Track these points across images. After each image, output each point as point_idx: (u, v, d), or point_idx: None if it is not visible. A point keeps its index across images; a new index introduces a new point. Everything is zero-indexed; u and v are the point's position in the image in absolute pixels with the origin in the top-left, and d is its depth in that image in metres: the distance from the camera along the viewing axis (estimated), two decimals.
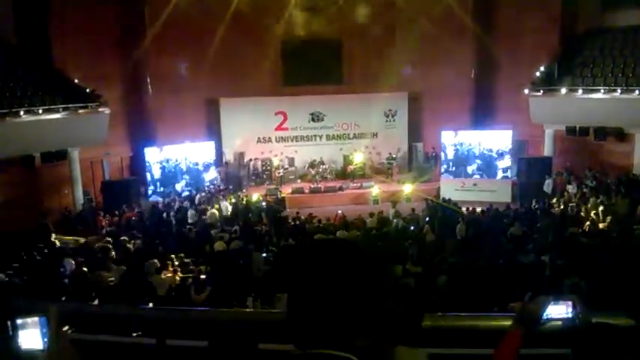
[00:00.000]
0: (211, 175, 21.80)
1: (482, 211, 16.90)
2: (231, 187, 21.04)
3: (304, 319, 1.53)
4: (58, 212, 18.30)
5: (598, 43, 21.65)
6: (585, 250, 10.97)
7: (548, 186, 19.10)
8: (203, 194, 19.45)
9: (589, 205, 16.13)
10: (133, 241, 13.04)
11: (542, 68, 20.85)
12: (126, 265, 10.49)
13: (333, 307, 1.51)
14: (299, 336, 1.54)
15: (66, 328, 2.05)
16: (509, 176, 20.93)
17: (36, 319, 2.40)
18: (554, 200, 17.82)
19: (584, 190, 18.01)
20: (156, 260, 10.30)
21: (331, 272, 1.54)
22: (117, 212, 17.20)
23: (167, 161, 20.81)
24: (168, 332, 3.37)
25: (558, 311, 2.18)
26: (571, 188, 18.40)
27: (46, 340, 2.29)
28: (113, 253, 11.18)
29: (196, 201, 18.70)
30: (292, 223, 16.56)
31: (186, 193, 20.38)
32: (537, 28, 21.64)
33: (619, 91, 18.85)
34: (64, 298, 8.23)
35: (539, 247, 11.30)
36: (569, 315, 2.20)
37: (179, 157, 21.15)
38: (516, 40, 22.04)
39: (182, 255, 11.41)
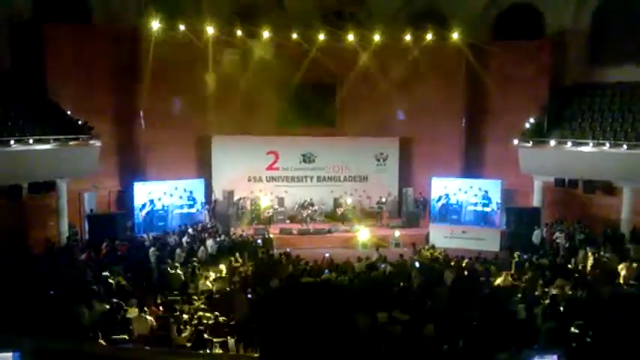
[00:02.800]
0: (198, 214, 21.59)
1: (471, 258, 16.81)
2: (218, 225, 20.84)
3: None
4: (42, 244, 17.97)
5: (587, 97, 22.13)
6: (573, 303, 10.89)
7: (537, 237, 19.11)
8: (190, 231, 19.23)
9: (578, 258, 16.12)
10: (115, 278, 12.81)
11: (531, 120, 21.19)
12: (107, 301, 10.27)
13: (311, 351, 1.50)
14: None
15: None
16: (497, 224, 20.94)
17: (9, 354, 2.29)
18: (543, 252, 17.80)
19: (574, 242, 18.02)
20: (135, 300, 10.10)
21: (312, 317, 1.53)
22: (101, 247, 16.89)
23: (152, 202, 20.51)
24: None
25: None
26: (560, 240, 18.41)
27: None
28: (95, 287, 10.98)
29: (183, 240, 18.46)
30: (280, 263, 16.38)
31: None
32: (527, 80, 22.13)
33: (607, 145, 19.14)
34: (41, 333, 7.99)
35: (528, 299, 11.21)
36: None
37: (167, 194, 20.90)
38: (506, 91, 22.48)
39: (166, 293, 11.18)
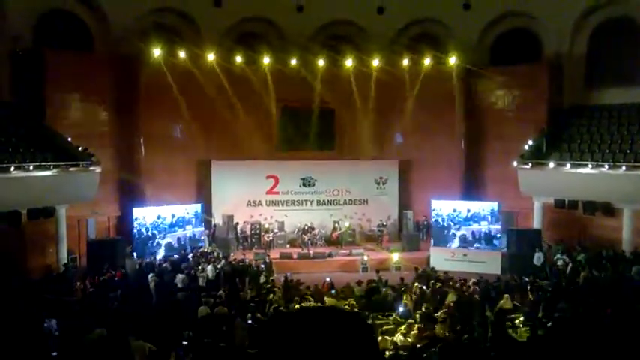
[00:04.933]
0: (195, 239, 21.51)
1: (474, 282, 16.68)
2: (218, 250, 20.74)
3: None
4: (41, 271, 17.86)
5: (584, 119, 22.26)
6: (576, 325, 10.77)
7: (538, 259, 19.00)
8: (190, 257, 19.13)
9: (580, 279, 16.01)
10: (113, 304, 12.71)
11: (530, 142, 21.26)
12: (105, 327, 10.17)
13: None
14: None
15: None
16: (498, 245, 20.84)
17: None
18: (544, 274, 17.69)
19: (576, 264, 17.91)
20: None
21: (314, 343, 1.49)
22: (99, 273, 16.76)
23: (153, 227, 20.46)
24: None
25: None
26: (561, 262, 18.31)
27: None
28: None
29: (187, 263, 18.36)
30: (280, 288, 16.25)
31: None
32: (525, 103, 22.32)
33: (606, 166, 19.16)
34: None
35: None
36: None
37: (166, 218, 20.86)
38: (505, 114, 22.64)
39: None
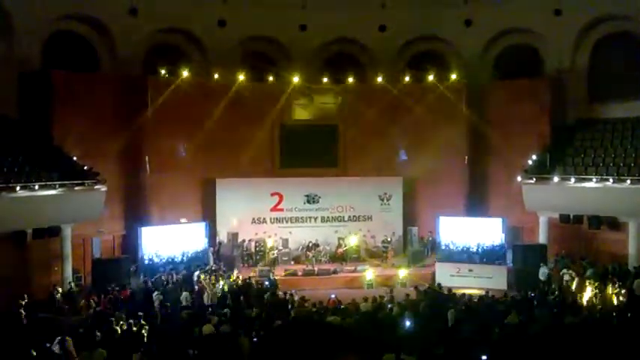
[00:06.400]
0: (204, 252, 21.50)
1: (481, 297, 16.59)
2: (223, 267, 20.71)
3: None
4: (46, 290, 17.86)
5: (588, 133, 22.27)
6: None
7: (544, 274, 18.89)
8: (195, 275, 19.08)
9: (586, 293, 15.89)
10: (120, 323, 12.69)
11: (534, 157, 21.25)
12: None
13: None
14: None
15: None
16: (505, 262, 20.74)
17: None
18: (551, 288, 17.56)
19: (582, 278, 17.79)
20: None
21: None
22: (105, 292, 16.76)
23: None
24: None
25: None
26: (567, 276, 18.19)
27: None
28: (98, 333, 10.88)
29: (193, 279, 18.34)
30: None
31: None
32: (528, 118, 22.34)
33: (611, 180, 19.11)
34: None
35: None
36: None
37: (171, 237, 20.86)
38: (508, 129, 22.67)
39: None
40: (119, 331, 12.94)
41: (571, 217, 20.19)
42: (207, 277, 18.35)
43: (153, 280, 18.53)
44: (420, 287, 18.15)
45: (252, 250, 22.78)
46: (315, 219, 24.02)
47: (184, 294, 16.91)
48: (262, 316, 14.64)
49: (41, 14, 20.32)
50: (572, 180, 19.91)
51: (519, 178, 20.61)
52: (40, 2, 20.07)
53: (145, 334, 12.84)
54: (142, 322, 13.40)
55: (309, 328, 1.63)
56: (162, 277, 18.65)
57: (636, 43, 22.02)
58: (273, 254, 22.35)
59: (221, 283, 18.16)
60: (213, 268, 20.41)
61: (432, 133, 22.73)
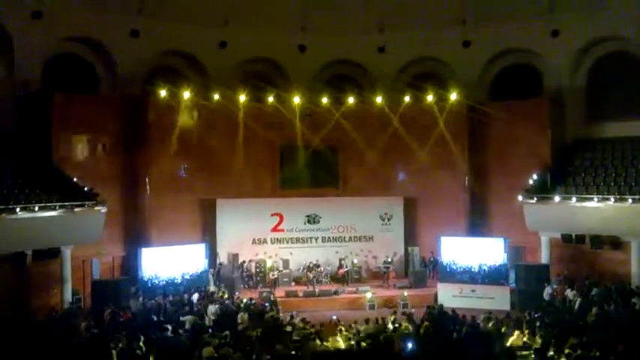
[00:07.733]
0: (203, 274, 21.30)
1: (486, 318, 16.37)
2: (223, 289, 20.53)
3: None
4: (45, 312, 17.68)
5: (588, 153, 22.32)
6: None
7: (547, 294, 18.74)
8: (195, 297, 18.88)
9: (591, 314, 15.72)
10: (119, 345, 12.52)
11: (534, 176, 21.25)
12: None
13: None
14: None
15: None
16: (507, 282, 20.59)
17: None
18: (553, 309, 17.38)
19: (587, 298, 17.63)
20: None
21: None
22: (103, 314, 16.56)
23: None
24: None
25: None
26: (571, 296, 18.03)
27: None
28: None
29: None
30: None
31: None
32: (528, 137, 22.38)
33: (612, 199, 19.07)
34: None
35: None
36: None
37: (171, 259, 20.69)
38: (508, 149, 22.73)
39: None
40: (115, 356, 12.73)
41: (573, 236, 20.11)
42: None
43: (149, 304, 18.30)
44: (426, 308, 17.97)
45: (253, 271, 22.66)
46: (316, 239, 23.97)
47: (189, 317, 16.67)
48: (262, 338, 14.46)
49: (42, 37, 20.44)
50: (574, 199, 19.89)
51: (520, 198, 20.57)
52: (40, 25, 20.18)
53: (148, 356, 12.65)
54: (141, 344, 13.22)
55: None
56: (159, 301, 18.44)
57: (635, 63, 22.17)
58: (274, 275, 22.22)
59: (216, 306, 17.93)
60: (211, 289, 20.19)
61: (432, 153, 22.77)
